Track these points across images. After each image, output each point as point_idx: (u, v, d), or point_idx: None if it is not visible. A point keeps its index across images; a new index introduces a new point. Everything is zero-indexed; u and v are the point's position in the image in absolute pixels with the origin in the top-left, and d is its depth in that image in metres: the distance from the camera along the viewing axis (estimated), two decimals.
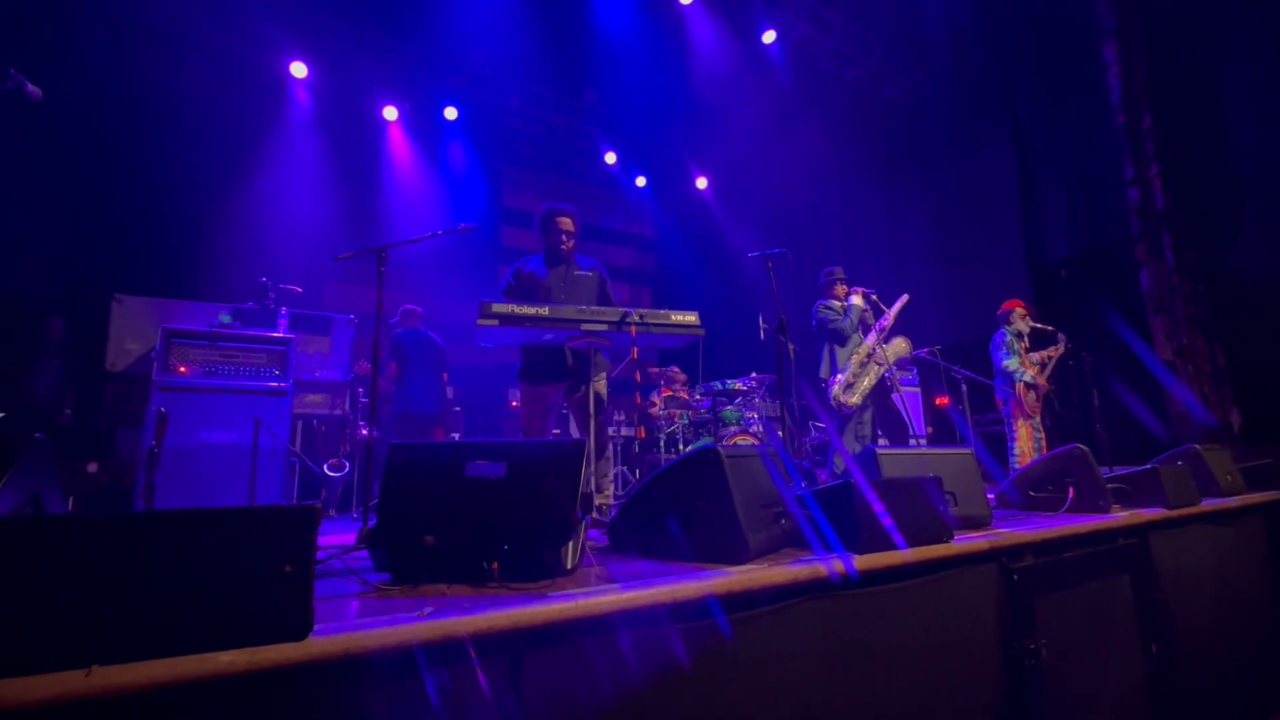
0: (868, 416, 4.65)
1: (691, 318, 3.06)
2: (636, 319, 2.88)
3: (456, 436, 6.02)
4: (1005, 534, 2.08)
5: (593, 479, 3.06)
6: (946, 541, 1.89)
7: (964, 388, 5.68)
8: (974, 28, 6.97)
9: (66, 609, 0.90)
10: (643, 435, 6.05)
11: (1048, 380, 5.31)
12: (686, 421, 6.11)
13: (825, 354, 4.74)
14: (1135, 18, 5.73)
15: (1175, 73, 5.64)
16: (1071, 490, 2.62)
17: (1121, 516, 2.50)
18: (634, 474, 6.23)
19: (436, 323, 5.72)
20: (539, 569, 1.49)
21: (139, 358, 4.27)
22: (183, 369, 3.81)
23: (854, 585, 1.63)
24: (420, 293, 6.44)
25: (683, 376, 6.58)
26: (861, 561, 1.65)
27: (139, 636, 0.91)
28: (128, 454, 4.23)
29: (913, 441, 5.80)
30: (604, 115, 8.67)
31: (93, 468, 4.10)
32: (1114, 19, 5.80)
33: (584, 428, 3.21)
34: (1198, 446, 3.30)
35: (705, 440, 5.83)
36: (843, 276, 4.88)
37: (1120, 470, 2.98)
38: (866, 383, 4.54)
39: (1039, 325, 5.40)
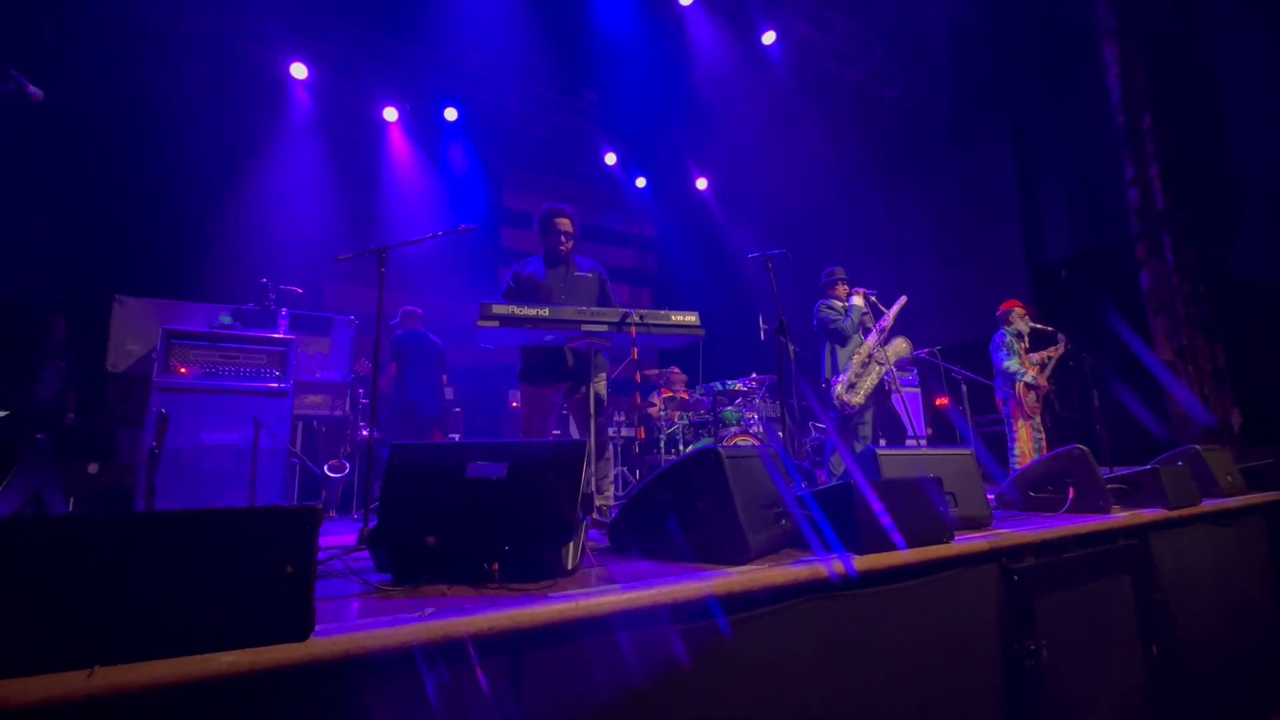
0: (868, 417, 4.65)
1: (691, 318, 3.06)
2: (637, 319, 2.88)
3: (456, 437, 6.03)
4: (1005, 534, 2.08)
5: (593, 480, 3.06)
6: (947, 542, 1.89)
7: (964, 388, 5.68)
8: (974, 28, 6.98)
9: (69, 609, 0.90)
10: (643, 436, 6.04)
11: (1048, 381, 5.31)
12: (686, 422, 6.11)
13: (826, 354, 4.74)
14: (1135, 18, 5.73)
15: (1175, 73, 5.64)
16: (1072, 491, 2.62)
17: (1122, 517, 2.50)
18: (634, 475, 6.23)
19: (437, 324, 5.73)
20: (540, 569, 1.50)
21: (139, 359, 4.28)
22: (183, 370, 3.82)
23: (854, 586, 1.63)
24: (421, 293, 6.44)
25: (683, 377, 6.58)
26: (862, 562, 1.65)
27: (141, 637, 0.92)
28: (128, 455, 4.23)
29: (912, 442, 5.81)
30: (604, 116, 8.68)
31: (93, 469, 4.11)
32: (1114, 19, 5.81)
33: (584, 428, 3.21)
34: (1198, 447, 3.30)
35: (705, 441, 5.83)
36: (843, 276, 4.88)
37: (1120, 471, 2.98)
38: (869, 383, 4.54)
39: (1039, 326, 5.40)
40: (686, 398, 6.32)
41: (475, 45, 7.18)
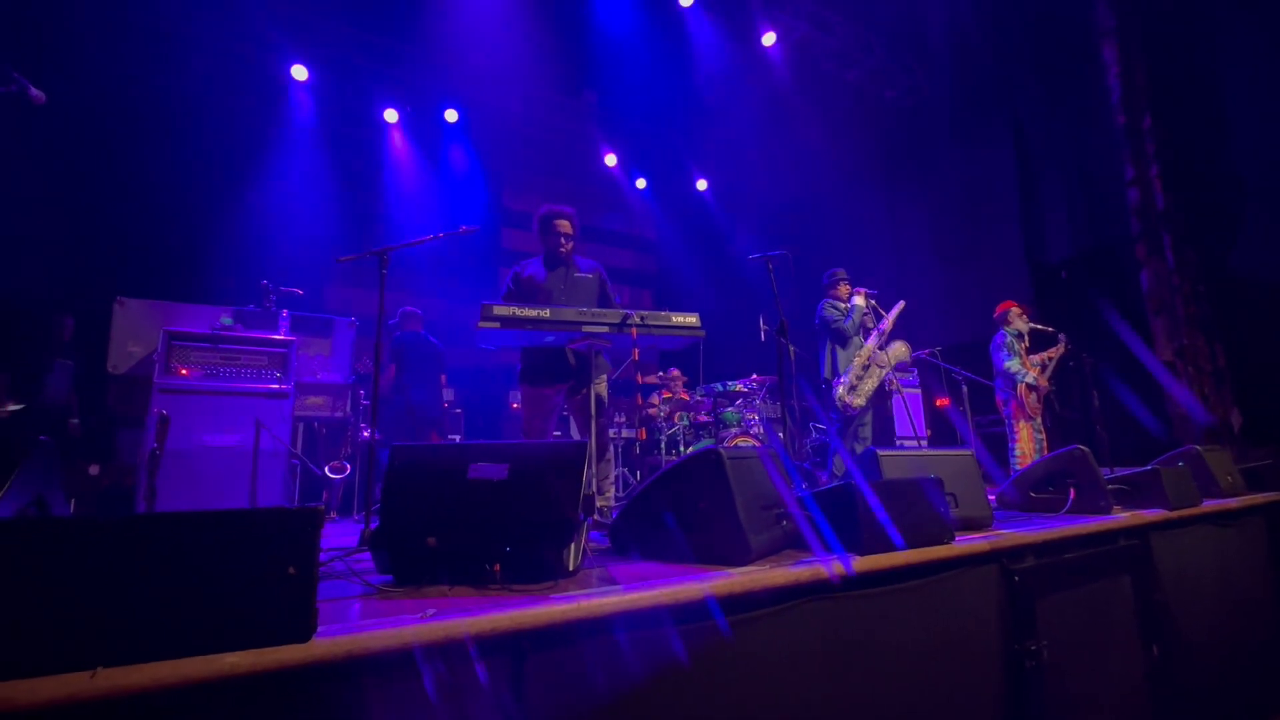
0: (869, 418, 4.66)
1: (692, 319, 3.06)
2: (637, 320, 2.88)
3: (457, 438, 6.03)
4: (1006, 535, 2.09)
5: (594, 481, 3.06)
6: (947, 543, 1.90)
7: (964, 389, 5.68)
8: (974, 28, 6.98)
9: (71, 611, 0.90)
10: (643, 437, 6.05)
11: (1048, 381, 5.31)
12: (687, 423, 6.12)
13: (826, 355, 4.75)
14: (1135, 18, 5.73)
15: (1175, 73, 5.64)
16: (1072, 491, 2.62)
17: (1122, 517, 2.50)
18: (635, 476, 6.23)
19: (437, 324, 5.73)
20: (541, 570, 1.50)
21: (140, 360, 4.27)
22: (184, 371, 3.82)
23: (854, 586, 1.63)
24: (421, 294, 6.45)
25: (684, 378, 6.58)
26: (862, 563, 1.66)
27: (143, 638, 0.92)
28: (129, 456, 4.24)
29: (911, 443, 5.81)
30: (604, 117, 8.68)
31: (94, 470, 4.11)
32: (1114, 19, 5.81)
33: (585, 429, 3.21)
34: (1198, 447, 3.30)
35: (706, 442, 5.83)
36: (846, 277, 4.89)
37: (1121, 471, 2.98)
38: (870, 385, 4.55)
39: (1039, 326, 5.40)
40: (687, 399, 6.33)
41: (475, 46, 7.19)
